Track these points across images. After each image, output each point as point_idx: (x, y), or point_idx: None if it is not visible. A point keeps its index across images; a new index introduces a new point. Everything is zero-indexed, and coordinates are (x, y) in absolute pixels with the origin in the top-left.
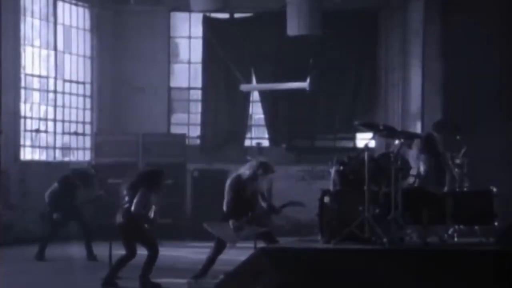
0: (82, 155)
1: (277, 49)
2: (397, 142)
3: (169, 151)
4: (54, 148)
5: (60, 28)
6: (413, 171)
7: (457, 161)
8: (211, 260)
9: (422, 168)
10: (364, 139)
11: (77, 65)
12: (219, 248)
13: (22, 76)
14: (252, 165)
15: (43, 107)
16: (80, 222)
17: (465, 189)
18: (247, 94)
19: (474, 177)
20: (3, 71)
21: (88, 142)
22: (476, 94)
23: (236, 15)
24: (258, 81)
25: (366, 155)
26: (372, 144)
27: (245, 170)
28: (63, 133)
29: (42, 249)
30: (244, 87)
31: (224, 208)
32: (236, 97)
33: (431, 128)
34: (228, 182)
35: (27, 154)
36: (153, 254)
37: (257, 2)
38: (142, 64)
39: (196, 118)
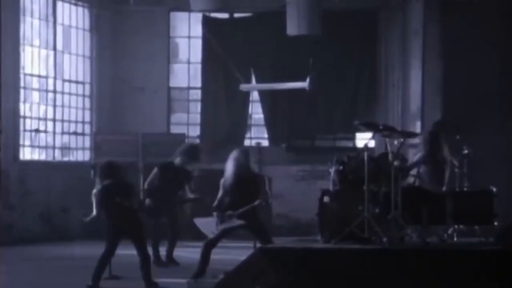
0: (81, 155)
1: (276, 49)
2: (397, 142)
3: (169, 151)
4: (54, 148)
5: (59, 28)
6: (413, 171)
7: (456, 162)
8: (206, 255)
9: (422, 168)
10: (364, 139)
11: (76, 65)
12: (210, 243)
13: (22, 76)
14: (233, 157)
15: (42, 107)
16: (173, 221)
17: (465, 189)
18: (246, 94)
19: (474, 177)
20: (3, 71)
21: (87, 142)
22: (476, 94)
23: (236, 15)
24: (257, 81)
25: (365, 155)
26: (372, 144)
27: (228, 167)
28: (63, 133)
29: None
30: (243, 87)
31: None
32: (236, 97)
33: (431, 128)
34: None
35: (26, 154)
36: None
37: (257, 2)
38: (141, 64)
39: (196, 118)
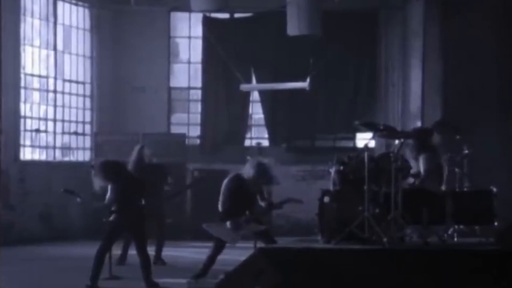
0: (82, 155)
1: (277, 49)
2: (397, 142)
3: (169, 151)
4: (54, 148)
5: (60, 28)
6: (413, 171)
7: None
8: (212, 259)
9: (422, 168)
10: (364, 139)
11: (77, 65)
12: (219, 247)
13: (22, 76)
14: (253, 165)
15: (43, 107)
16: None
17: (465, 189)
18: (247, 94)
19: (474, 177)
20: (3, 71)
21: (88, 142)
22: (476, 94)
23: (236, 15)
24: (258, 81)
25: (366, 155)
26: (372, 144)
27: (246, 171)
28: (63, 133)
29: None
30: (244, 87)
31: (220, 208)
32: (236, 97)
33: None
34: (225, 181)
35: (27, 154)
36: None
37: (257, 2)
38: (142, 64)
39: (196, 118)
